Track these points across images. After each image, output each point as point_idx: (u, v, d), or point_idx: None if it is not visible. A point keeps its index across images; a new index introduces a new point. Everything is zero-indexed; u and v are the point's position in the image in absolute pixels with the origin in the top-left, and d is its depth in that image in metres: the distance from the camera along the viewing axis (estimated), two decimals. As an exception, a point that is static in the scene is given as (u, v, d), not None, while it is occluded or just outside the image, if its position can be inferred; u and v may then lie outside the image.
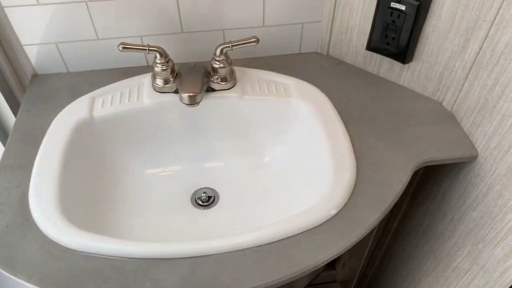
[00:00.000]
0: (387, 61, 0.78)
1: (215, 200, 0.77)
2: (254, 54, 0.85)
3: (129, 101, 0.74)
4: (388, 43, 0.73)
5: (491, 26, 0.62)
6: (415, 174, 0.89)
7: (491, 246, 0.66)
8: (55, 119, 0.72)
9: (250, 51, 0.85)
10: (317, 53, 0.87)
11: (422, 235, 0.90)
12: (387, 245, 1.09)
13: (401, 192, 0.63)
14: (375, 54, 0.79)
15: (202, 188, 0.79)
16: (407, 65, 0.76)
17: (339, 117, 0.73)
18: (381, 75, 0.81)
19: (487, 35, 0.63)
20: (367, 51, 0.79)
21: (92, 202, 0.69)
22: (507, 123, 0.60)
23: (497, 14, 0.60)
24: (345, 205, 0.61)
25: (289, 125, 0.77)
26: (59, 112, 0.73)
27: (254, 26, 0.80)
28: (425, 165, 0.68)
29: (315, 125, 0.72)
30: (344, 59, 0.84)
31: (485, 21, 0.62)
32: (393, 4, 0.68)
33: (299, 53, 0.86)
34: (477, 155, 0.68)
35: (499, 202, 0.64)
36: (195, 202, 0.77)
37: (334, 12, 0.79)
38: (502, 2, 0.59)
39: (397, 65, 0.77)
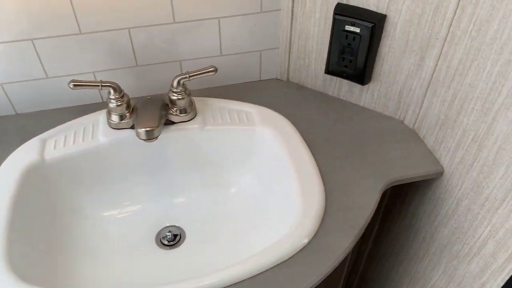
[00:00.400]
0: (346, 83, 0.78)
1: (182, 239, 0.73)
2: (214, 83, 0.84)
3: (83, 140, 0.70)
4: (346, 66, 0.73)
5: (443, 44, 0.63)
6: (384, 194, 0.88)
7: (465, 262, 0.66)
8: (2, 164, 0.67)
9: (210, 80, 0.83)
10: (278, 79, 0.86)
11: (396, 256, 0.88)
12: (363, 268, 1.07)
13: (372, 214, 0.62)
14: (334, 77, 0.79)
15: (167, 226, 0.75)
16: (366, 86, 0.76)
17: (303, 142, 0.71)
18: (341, 97, 0.81)
19: (441, 52, 0.64)
20: (326, 75, 0.79)
21: (47, 252, 0.64)
22: (468, 137, 0.61)
23: (448, 32, 0.61)
24: (316, 233, 0.59)
25: (254, 154, 0.75)
26: (7, 157, 0.68)
27: (212, 55, 0.78)
28: (393, 184, 0.67)
29: (281, 152, 0.70)
30: (305, 84, 0.84)
31: (437, 39, 0.63)
32: (347, 27, 0.69)
33: (260, 80, 0.86)
34: (443, 171, 0.68)
35: (469, 217, 0.63)
36: (160, 243, 0.72)
37: (290, 38, 0.79)
38: (452, 20, 0.60)
39: (356, 86, 0.77)
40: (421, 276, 0.79)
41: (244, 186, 0.76)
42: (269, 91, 0.83)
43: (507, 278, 0.57)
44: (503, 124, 0.54)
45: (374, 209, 0.63)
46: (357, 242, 1.03)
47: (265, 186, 0.73)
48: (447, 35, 0.62)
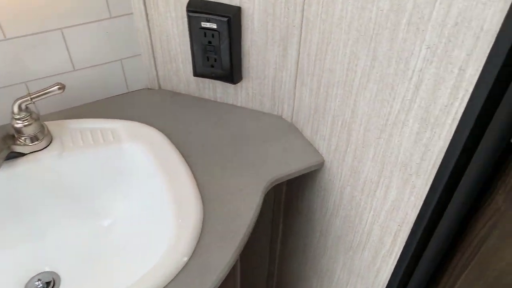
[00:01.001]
0: (220, 84, 0.74)
1: (56, 285, 0.63)
2: (75, 102, 0.74)
3: None
4: (212, 66, 0.69)
5: (301, 31, 0.60)
6: (281, 192, 0.85)
7: (359, 251, 0.64)
8: None
9: (69, 100, 0.73)
10: (148, 88, 0.79)
11: (302, 253, 0.85)
12: (278, 269, 1.04)
13: (254, 220, 0.57)
14: (206, 79, 0.74)
15: (37, 274, 0.64)
16: (239, 84, 0.72)
17: (178, 153, 0.65)
18: (218, 99, 0.76)
19: (300, 40, 0.61)
20: (199, 78, 0.74)
21: None
22: (338, 123, 0.59)
23: (302, 17, 0.59)
24: (194, 252, 0.53)
25: (125, 176, 0.67)
26: None
27: (64, 71, 0.69)
28: (275, 183, 0.64)
29: (152, 169, 0.63)
30: (178, 90, 0.78)
31: (294, 26, 0.61)
32: (203, 24, 0.64)
33: (128, 92, 0.78)
34: (323, 161, 0.66)
35: (353, 204, 0.61)
36: (28, 295, 0.62)
37: (151, 42, 0.72)
38: (303, 5, 0.58)
39: (230, 86, 0.73)
40: (326, 271, 0.77)
41: (120, 214, 0.68)
42: (139, 102, 0.76)
43: (395, 262, 0.56)
44: (364, 105, 0.52)
45: (257, 214, 0.58)
46: (266, 244, 0.99)
47: (141, 210, 0.66)
48: (302, 21, 0.59)
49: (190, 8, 0.64)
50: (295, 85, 0.67)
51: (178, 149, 0.66)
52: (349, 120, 0.56)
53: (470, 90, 0.37)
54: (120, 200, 0.67)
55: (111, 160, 0.66)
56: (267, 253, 1.01)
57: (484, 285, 0.57)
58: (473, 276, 0.55)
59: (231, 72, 0.68)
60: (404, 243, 0.53)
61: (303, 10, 0.58)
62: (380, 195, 0.54)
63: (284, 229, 0.92)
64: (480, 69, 0.35)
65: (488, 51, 0.34)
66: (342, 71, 0.54)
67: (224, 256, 0.53)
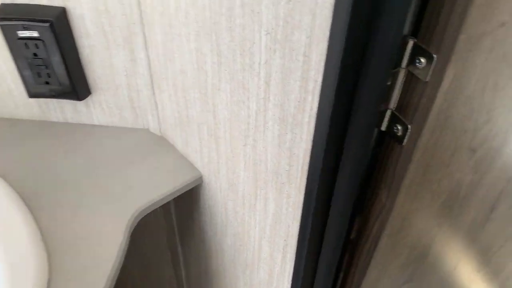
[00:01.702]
0: (66, 102, 0.61)
1: None
2: None
3: None
4: (47, 82, 0.56)
5: (143, 28, 0.50)
6: (169, 213, 0.75)
7: (255, 271, 0.56)
8: None
9: None
10: (-19, 120, 0.64)
11: (206, 275, 0.76)
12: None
13: (117, 268, 0.47)
14: (50, 99, 0.61)
15: None
16: (89, 99, 0.60)
17: (17, 198, 0.52)
18: (70, 120, 0.63)
19: (145, 39, 0.51)
20: (42, 99, 0.61)
21: None
22: (204, 131, 0.50)
23: (140, 13, 0.49)
24: (38, 328, 0.41)
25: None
26: None
27: None
28: (146, 213, 0.53)
29: (-18, 223, 0.49)
30: (18, 116, 0.64)
31: (134, 24, 0.50)
32: (21, 34, 0.51)
33: (-48, 129, 0.62)
34: (201, 175, 0.57)
35: (239, 220, 0.53)
36: None
37: (-34, 63, 0.57)
38: (138, -3, 0.48)
39: (79, 103, 0.61)
40: (231, 292, 0.69)
41: None
42: (-32, 139, 0.61)
43: (291, 279, 0.49)
44: (223, 108, 0.44)
45: (121, 258, 0.47)
46: (171, 268, 0.88)
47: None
48: (141, 17, 0.49)
49: (0, 15, 0.50)
50: (154, 92, 0.57)
51: (18, 193, 0.53)
52: (213, 127, 0.47)
53: (320, 80, 0.30)
54: None
55: None
56: (174, 279, 0.91)
57: (388, 282, 0.53)
58: (374, 277, 0.50)
59: (73, 87, 0.56)
60: (294, 258, 0.46)
61: (139, 4, 0.48)
62: (261, 208, 0.47)
63: (183, 251, 0.82)
64: (325, 52, 0.28)
65: (328, 29, 0.27)
66: (193, 71, 0.45)
67: (81, 322, 0.42)
